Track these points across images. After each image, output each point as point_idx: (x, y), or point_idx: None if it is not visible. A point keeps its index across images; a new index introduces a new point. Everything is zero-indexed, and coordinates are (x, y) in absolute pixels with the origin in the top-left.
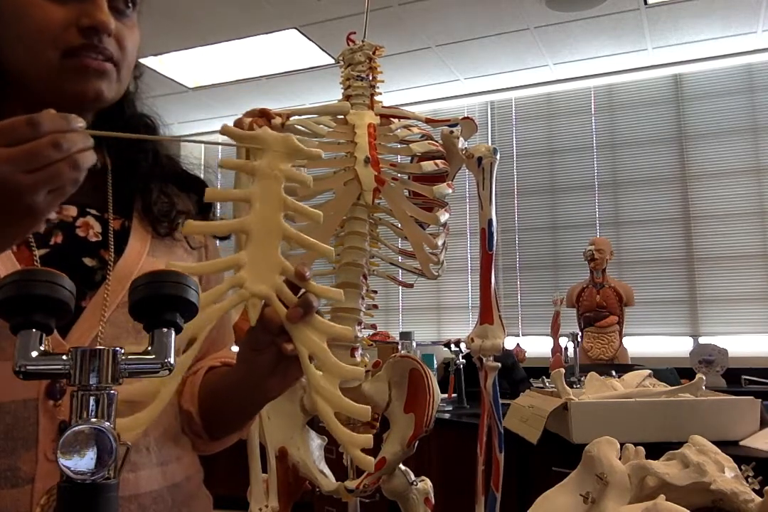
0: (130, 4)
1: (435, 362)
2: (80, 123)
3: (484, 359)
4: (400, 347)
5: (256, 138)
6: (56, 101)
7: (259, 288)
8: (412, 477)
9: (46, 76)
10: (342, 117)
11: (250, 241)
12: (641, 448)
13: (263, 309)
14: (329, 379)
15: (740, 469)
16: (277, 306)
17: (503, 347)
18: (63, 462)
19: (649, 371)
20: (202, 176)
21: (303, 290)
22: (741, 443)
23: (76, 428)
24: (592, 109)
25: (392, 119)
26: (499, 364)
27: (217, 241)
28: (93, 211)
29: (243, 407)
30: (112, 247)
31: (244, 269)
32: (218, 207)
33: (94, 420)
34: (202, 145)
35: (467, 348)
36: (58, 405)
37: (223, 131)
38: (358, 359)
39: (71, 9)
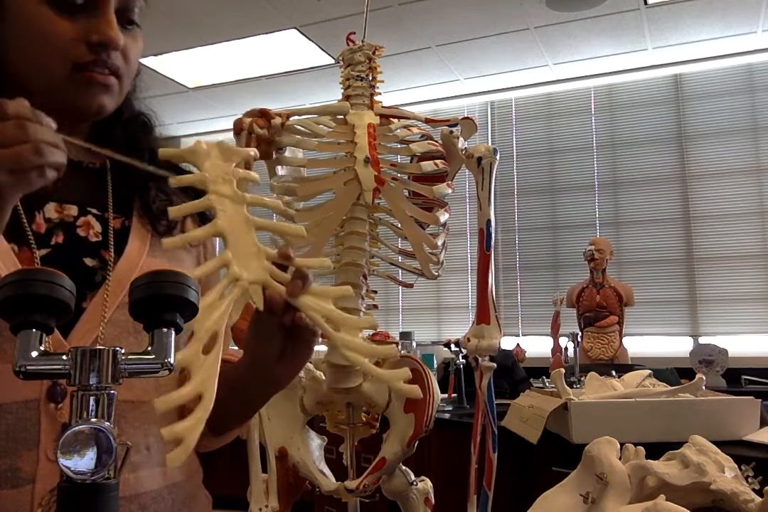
0: (136, 16)
1: (435, 362)
2: (52, 124)
3: (480, 359)
4: (400, 347)
5: (193, 151)
6: (58, 111)
7: (255, 275)
8: (412, 477)
9: (52, 87)
10: (342, 117)
11: (227, 240)
12: (641, 448)
13: (264, 292)
14: (349, 333)
15: (740, 469)
16: (276, 286)
17: (499, 347)
18: (63, 462)
19: (649, 371)
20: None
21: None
22: (745, 438)
23: (76, 428)
24: (592, 109)
25: (392, 119)
26: (495, 364)
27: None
28: (93, 210)
29: (251, 399)
30: (112, 247)
31: (233, 264)
32: None
33: (94, 420)
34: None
35: (462, 347)
36: (60, 409)
37: (161, 155)
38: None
39: (81, 24)
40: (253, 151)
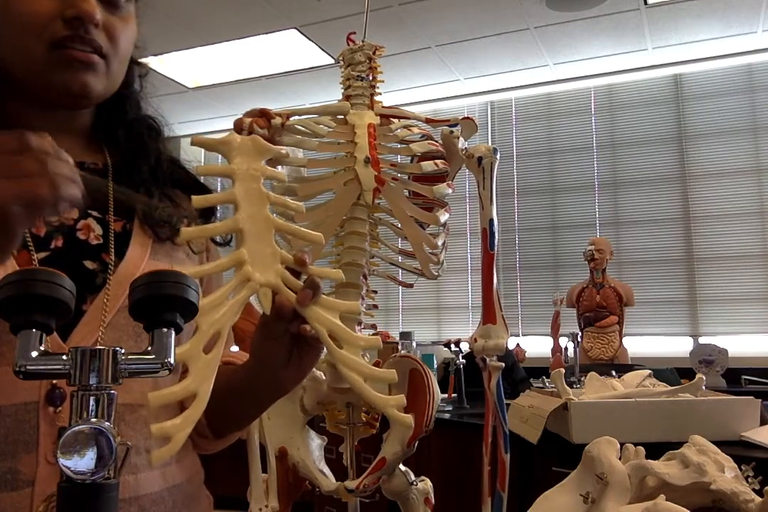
0: None
1: (435, 362)
2: (70, 159)
3: (488, 359)
4: (400, 347)
5: (226, 142)
6: (45, 94)
7: (267, 278)
8: (412, 477)
9: (32, 68)
10: (342, 117)
11: (245, 237)
12: (641, 448)
13: (273, 297)
14: (351, 351)
15: (740, 469)
16: (286, 292)
17: (506, 347)
18: (63, 462)
19: (649, 371)
20: (201, 179)
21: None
22: (743, 434)
23: (76, 428)
24: (592, 109)
25: (392, 119)
26: (503, 364)
27: (216, 247)
28: (94, 213)
29: (255, 402)
30: (113, 250)
31: (247, 263)
32: (218, 210)
33: (94, 420)
34: (202, 149)
35: (470, 348)
36: (58, 412)
37: (194, 142)
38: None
39: (57, 1)
40: (285, 150)
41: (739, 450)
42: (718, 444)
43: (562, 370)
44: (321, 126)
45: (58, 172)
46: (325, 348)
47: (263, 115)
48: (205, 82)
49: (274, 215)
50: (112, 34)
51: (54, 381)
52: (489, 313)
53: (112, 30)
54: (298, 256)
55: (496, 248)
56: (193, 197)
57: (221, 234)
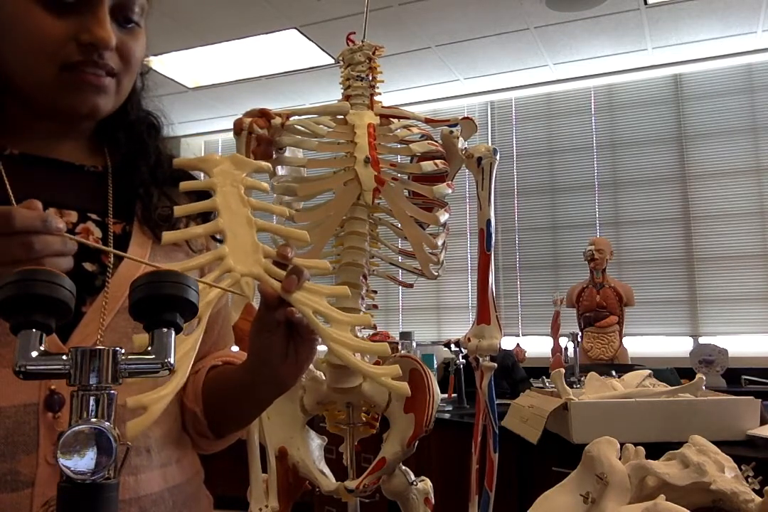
0: (135, 15)
1: (435, 362)
2: (60, 224)
3: (481, 359)
4: (400, 347)
5: (206, 160)
6: (52, 111)
7: (249, 269)
8: (412, 477)
9: (42, 88)
10: (342, 117)
11: (227, 236)
12: (641, 448)
13: (258, 287)
14: (340, 328)
15: (740, 469)
16: (269, 281)
17: (499, 347)
18: (63, 462)
19: (649, 371)
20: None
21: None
22: (749, 432)
23: (76, 428)
24: (592, 109)
25: (392, 119)
26: (495, 364)
27: (217, 244)
28: (94, 216)
29: (258, 400)
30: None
31: (228, 257)
32: None
33: (94, 420)
34: (202, 147)
35: (463, 348)
36: (57, 418)
37: (175, 165)
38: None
39: (71, 22)
40: (266, 165)
41: (739, 450)
42: (719, 444)
43: (562, 370)
44: (321, 126)
45: (47, 252)
46: (323, 348)
47: (263, 115)
48: (205, 82)
49: (274, 219)
50: (124, 53)
51: (52, 387)
52: (483, 313)
53: (125, 50)
54: (280, 251)
55: (492, 249)
56: (175, 208)
57: (203, 236)
